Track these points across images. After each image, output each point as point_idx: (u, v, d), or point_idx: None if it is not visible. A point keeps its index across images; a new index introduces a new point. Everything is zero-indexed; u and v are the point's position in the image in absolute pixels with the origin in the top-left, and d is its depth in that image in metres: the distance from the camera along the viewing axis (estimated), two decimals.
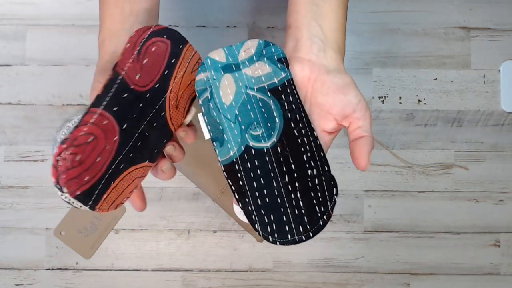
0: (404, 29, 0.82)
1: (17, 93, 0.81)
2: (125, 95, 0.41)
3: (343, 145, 0.81)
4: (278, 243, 0.40)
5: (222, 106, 0.42)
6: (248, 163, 0.41)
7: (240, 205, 0.41)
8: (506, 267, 0.80)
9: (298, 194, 0.41)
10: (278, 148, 0.42)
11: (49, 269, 0.80)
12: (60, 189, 0.38)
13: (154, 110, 0.43)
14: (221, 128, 0.42)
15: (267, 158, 0.41)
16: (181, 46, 0.45)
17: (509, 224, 0.81)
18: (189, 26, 0.82)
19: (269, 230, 0.40)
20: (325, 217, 0.41)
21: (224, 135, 0.42)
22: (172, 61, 0.44)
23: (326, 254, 0.80)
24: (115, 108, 0.40)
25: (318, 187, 0.41)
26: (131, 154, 0.42)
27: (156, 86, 0.43)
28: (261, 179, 0.41)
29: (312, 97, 0.43)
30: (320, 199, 0.41)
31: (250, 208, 0.40)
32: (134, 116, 0.42)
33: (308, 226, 0.40)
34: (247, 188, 0.41)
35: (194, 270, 0.80)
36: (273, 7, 0.83)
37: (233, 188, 0.41)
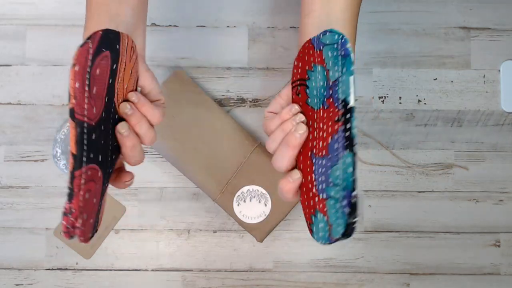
0: (404, 29, 0.82)
1: (17, 93, 0.81)
2: (94, 136, 0.39)
3: None
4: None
5: None
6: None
7: None
8: (506, 267, 0.80)
9: None
10: None
11: (49, 269, 0.80)
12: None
13: (111, 121, 0.42)
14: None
15: None
16: (117, 46, 0.42)
17: (509, 224, 0.81)
18: (189, 26, 0.82)
19: None
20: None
21: None
22: (114, 67, 0.41)
23: (326, 254, 0.80)
24: (91, 155, 0.38)
25: None
26: (110, 170, 0.42)
27: (106, 100, 0.41)
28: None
29: None
30: None
31: None
32: (103, 142, 0.40)
33: None
34: None
35: (194, 270, 0.80)
36: (273, 7, 0.83)
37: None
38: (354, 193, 0.38)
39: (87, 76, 0.38)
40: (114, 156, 0.42)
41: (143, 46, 0.47)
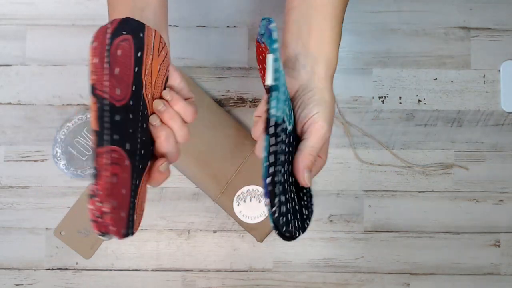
0: (404, 29, 0.82)
1: (17, 93, 0.81)
2: (117, 118, 0.38)
3: (343, 145, 0.81)
4: (282, 228, 0.38)
5: (280, 67, 0.40)
6: (282, 134, 0.39)
7: (270, 170, 0.37)
8: (506, 267, 0.80)
9: (294, 189, 0.41)
10: (291, 137, 0.41)
11: (49, 269, 0.80)
12: (104, 235, 0.37)
13: (140, 113, 0.41)
14: (278, 84, 0.39)
15: (287, 140, 0.40)
16: (141, 35, 0.41)
17: (509, 224, 0.81)
18: (189, 26, 0.82)
19: (281, 210, 0.38)
20: (308, 221, 0.41)
21: (279, 94, 0.39)
22: (138, 55, 0.41)
23: (326, 254, 0.80)
24: (116, 137, 0.37)
25: (303, 190, 0.43)
26: (140, 165, 0.41)
27: (134, 89, 0.40)
28: (284, 156, 0.39)
29: None
30: (305, 203, 0.42)
31: (276, 179, 0.38)
32: (130, 130, 0.39)
33: (299, 224, 0.40)
34: (275, 158, 0.38)
35: (194, 270, 0.80)
36: (273, 7, 0.83)
37: (270, 150, 0.38)
38: (267, 181, 0.37)
39: (106, 53, 0.38)
40: (143, 152, 0.41)
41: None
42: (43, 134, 0.81)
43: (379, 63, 0.82)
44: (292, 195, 0.40)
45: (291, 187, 0.41)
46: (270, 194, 0.37)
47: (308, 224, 0.41)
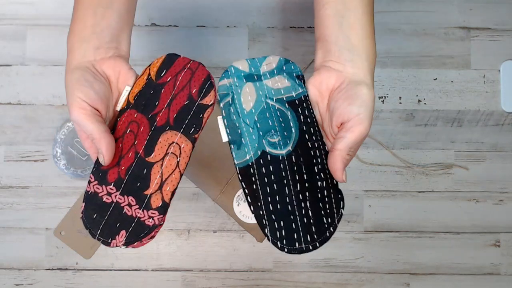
0: (404, 29, 0.82)
1: (17, 93, 0.81)
2: None
3: None
4: (285, 250, 0.41)
5: (242, 112, 0.44)
6: (263, 168, 0.42)
7: (252, 208, 0.41)
8: (506, 267, 0.80)
9: (308, 204, 0.42)
10: (293, 157, 0.43)
11: (49, 269, 0.80)
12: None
13: None
14: (239, 132, 0.43)
15: (281, 165, 0.42)
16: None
17: (509, 224, 0.81)
18: (189, 26, 0.82)
19: (278, 236, 0.41)
20: (331, 228, 0.42)
21: (242, 139, 0.43)
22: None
23: (326, 254, 0.80)
24: None
25: (326, 199, 0.42)
26: None
27: None
28: (274, 185, 0.42)
29: (330, 103, 0.44)
30: (328, 211, 0.42)
31: (261, 212, 0.41)
32: None
33: (315, 236, 0.43)
34: (260, 193, 0.42)
35: (194, 270, 0.80)
36: (273, 7, 0.83)
37: (246, 191, 0.42)
38: (255, 215, 0.42)
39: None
40: None
41: (127, 49, 0.48)
42: (43, 134, 0.81)
43: (379, 63, 0.82)
44: (303, 212, 0.42)
45: (304, 203, 0.42)
46: (260, 226, 0.41)
47: (331, 232, 0.43)
